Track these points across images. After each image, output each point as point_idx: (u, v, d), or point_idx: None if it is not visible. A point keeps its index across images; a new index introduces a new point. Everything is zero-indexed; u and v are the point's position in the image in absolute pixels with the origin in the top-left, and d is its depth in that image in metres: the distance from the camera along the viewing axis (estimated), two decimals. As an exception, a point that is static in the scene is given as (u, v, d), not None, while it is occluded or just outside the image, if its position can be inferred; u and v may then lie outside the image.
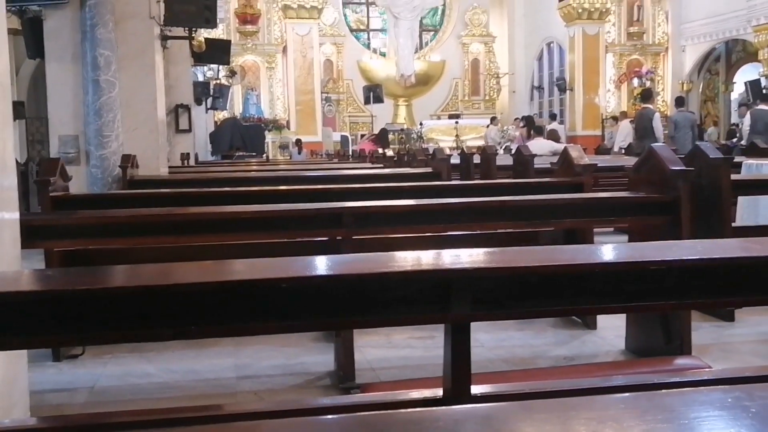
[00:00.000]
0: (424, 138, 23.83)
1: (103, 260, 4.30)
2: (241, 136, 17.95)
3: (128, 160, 6.74)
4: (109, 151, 6.89)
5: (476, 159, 8.87)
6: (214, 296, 1.78)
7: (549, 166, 6.95)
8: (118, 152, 6.90)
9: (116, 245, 4.24)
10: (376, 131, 24.20)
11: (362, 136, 25.33)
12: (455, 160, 9.18)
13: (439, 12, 30.04)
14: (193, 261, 2.76)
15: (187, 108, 11.25)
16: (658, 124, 13.40)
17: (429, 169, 7.44)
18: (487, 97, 29.44)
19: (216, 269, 2.04)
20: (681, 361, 3.69)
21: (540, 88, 28.30)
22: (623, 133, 16.63)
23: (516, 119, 22.41)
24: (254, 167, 11.34)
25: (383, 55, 28.79)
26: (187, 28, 8.86)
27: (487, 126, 22.69)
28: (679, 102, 15.52)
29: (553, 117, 19.28)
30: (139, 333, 1.85)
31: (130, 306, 1.75)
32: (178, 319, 1.77)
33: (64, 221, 3.98)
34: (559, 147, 11.09)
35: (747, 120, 14.32)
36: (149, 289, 1.73)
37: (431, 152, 9.25)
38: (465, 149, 18.05)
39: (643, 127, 13.52)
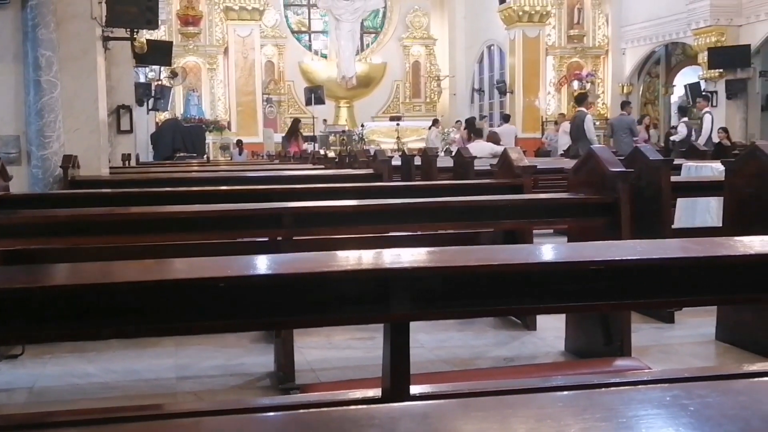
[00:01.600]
0: (366, 140, 23.87)
1: (44, 260, 4.22)
2: (182, 138, 17.75)
3: (69, 161, 6.68)
4: (50, 152, 6.85)
5: (417, 161, 8.91)
6: (154, 295, 1.76)
7: (489, 167, 7.01)
8: (60, 153, 6.85)
9: (57, 245, 4.17)
10: (317, 133, 24.15)
11: (303, 138, 25.24)
12: (396, 161, 9.21)
13: (381, 14, 30.09)
14: (133, 260, 2.72)
15: (129, 109, 11.17)
16: (589, 126, 13.64)
17: (370, 171, 7.45)
18: (428, 100, 29.58)
19: (156, 268, 2.01)
20: (621, 362, 3.73)
21: (480, 90, 28.50)
22: (559, 135, 16.89)
23: (457, 121, 22.55)
24: (195, 168, 11.26)
25: (325, 56, 28.74)
26: (128, 30, 8.79)
27: (429, 128, 22.79)
28: (622, 106, 15.88)
29: (505, 119, 19.36)
30: (78, 332, 1.83)
31: (70, 305, 1.73)
32: (118, 318, 1.76)
33: (5, 221, 3.91)
34: (499, 149, 11.16)
35: (708, 120, 14.62)
36: (89, 288, 1.71)
37: (372, 154, 9.27)
38: (406, 151, 18.14)
39: (576, 130, 13.76)
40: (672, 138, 16.31)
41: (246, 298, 1.80)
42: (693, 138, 14.76)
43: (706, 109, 15.47)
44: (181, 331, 2.05)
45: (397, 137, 23.97)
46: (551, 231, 8.22)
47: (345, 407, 1.67)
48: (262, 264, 1.92)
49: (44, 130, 6.81)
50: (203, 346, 4.29)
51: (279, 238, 3.95)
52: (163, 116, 20.23)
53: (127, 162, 11.16)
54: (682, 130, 15.70)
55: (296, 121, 20.04)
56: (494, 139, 13.94)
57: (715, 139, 14.97)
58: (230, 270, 1.82)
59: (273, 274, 1.84)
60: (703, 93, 18.14)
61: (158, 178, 7.61)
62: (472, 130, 14.91)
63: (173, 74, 20.19)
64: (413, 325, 1.98)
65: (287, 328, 3.37)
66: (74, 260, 3.91)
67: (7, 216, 4.04)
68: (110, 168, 8.41)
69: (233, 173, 8.82)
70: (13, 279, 1.83)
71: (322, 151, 19.66)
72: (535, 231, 6.00)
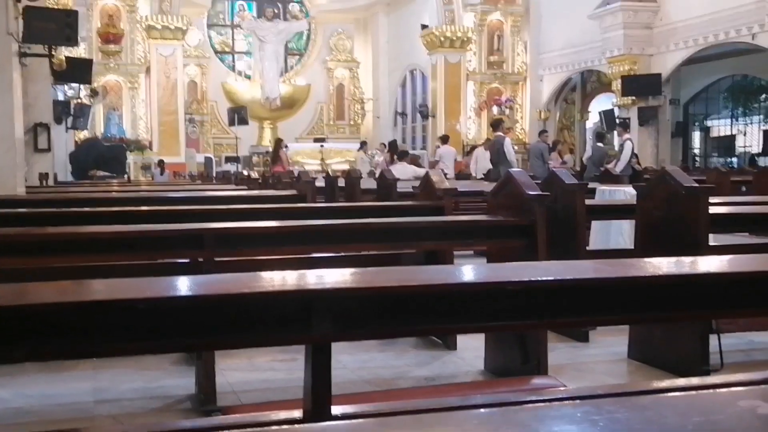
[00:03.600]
0: (290, 161, 23.79)
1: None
2: (102, 157, 17.44)
3: (-19, 180, 6.46)
4: None
5: (341, 182, 8.94)
6: (71, 317, 1.73)
7: (411, 190, 7.08)
8: None
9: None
10: (241, 153, 23.98)
11: (226, 158, 25.06)
12: (320, 183, 9.23)
13: (305, 37, 30.20)
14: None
15: (47, 127, 10.92)
16: (509, 149, 13.95)
17: (294, 192, 7.44)
18: (352, 122, 29.75)
19: (73, 289, 1.98)
20: (537, 380, 3.80)
21: (403, 114, 28.79)
22: (476, 160, 17.18)
23: (381, 144, 22.71)
24: (115, 188, 11.06)
25: (248, 77, 28.64)
26: (46, 46, 8.59)
27: (357, 150, 22.88)
28: (539, 133, 16.39)
29: (444, 140, 19.48)
30: None
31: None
32: (33, 340, 1.71)
33: None
34: (422, 171, 11.33)
35: (628, 147, 15.06)
36: (2, 310, 1.67)
37: (296, 175, 9.27)
38: (330, 172, 18.15)
39: (496, 154, 14.04)
40: (583, 157, 16.89)
41: (166, 319, 1.79)
42: (611, 164, 15.22)
43: (627, 136, 15.97)
44: (100, 354, 2.03)
45: (321, 159, 23.99)
46: (471, 252, 8.33)
47: (266, 428, 1.68)
48: (183, 285, 1.90)
49: None
50: (122, 368, 4.22)
51: (200, 260, 3.92)
52: (82, 135, 19.80)
53: (44, 181, 10.90)
54: (589, 150, 16.38)
55: (279, 141, 19.76)
56: (416, 162, 14.11)
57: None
58: (150, 291, 1.81)
59: (193, 295, 1.83)
60: (621, 121, 18.74)
61: (77, 197, 7.43)
62: (395, 152, 15.06)
63: (93, 92, 19.82)
64: (336, 345, 2.00)
65: (208, 349, 3.34)
66: (-13, 281, 3.81)
67: None
68: (27, 187, 8.19)
69: (154, 193, 8.70)
70: None
71: (245, 172, 19.53)
72: (456, 252, 6.07)
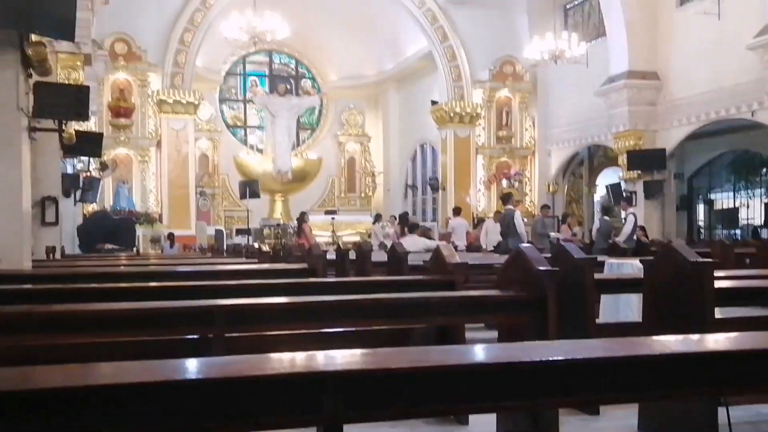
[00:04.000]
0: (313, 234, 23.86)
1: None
2: (111, 230, 17.50)
3: (-12, 254, 6.43)
4: None
5: (352, 255, 8.93)
6: (79, 401, 1.70)
7: (422, 263, 7.07)
8: None
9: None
10: (252, 226, 24.07)
11: (237, 231, 25.14)
12: (331, 255, 9.22)
13: (317, 111, 30.61)
14: (57, 361, 2.63)
15: (55, 200, 10.92)
16: (519, 221, 14.06)
17: (304, 266, 7.42)
18: (362, 194, 29.92)
19: (80, 372, 1.96)
20: (550, 455, 3.74)
21: (414, 186, 28.97)
22: (486, 232, 17.26)
23: (391, 216, 22.78)
24: (123, 262, 11.03)
25: (260, 151, 28.92)
26: (57, 121, 8.63)
27: (373, 223, 22.84)
28: (541, 208, 16.63)
29: (456, 212, 19.55)
30: None
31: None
32: (39, 425, 1.68)
33: None
34: (432, 244, 11.34)
35: (630, 220, 15.19)
36: (7, 395, 1.64)
37: (307, 248, 9.27)
38: (341, 245, 18.17)
39: (506, 226, 14.12)
40: (592, 230, 17.07)
41: (176, 403, 1.76)
42: (615, 235, 15.36)
43: (630, 210, 16.14)
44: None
45: (333, 231, 24.05)
46: (482, 325, 8.27)
47: None
48: (193, 368, 1.88)
49: None
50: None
51: (210, 336, 3.90)
52: (91, 208, 19.88)
53: (51, 255, 10.83)
54: (597, 224, 16.52)
55: (303, 214, 19.83)
56: (427, 234, 14.12)
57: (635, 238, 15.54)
58: (159, 375, 1.78)
59: (204, 378, 1.81)
60: (626, 195, 18.89)
61: (84, 272, 7.37)
62: (406, 224, 15.10)
63: (103, 166, 19.92)
64: (346, 426, 1.97)
65: None
66: (-9, 362, 3.76)
67: None
68: (33, 261, 8.14)
69: (163, 267, 8.69)
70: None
71: (256, 245, 19.56)
72: (467, 324, 6.03)
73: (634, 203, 18.61)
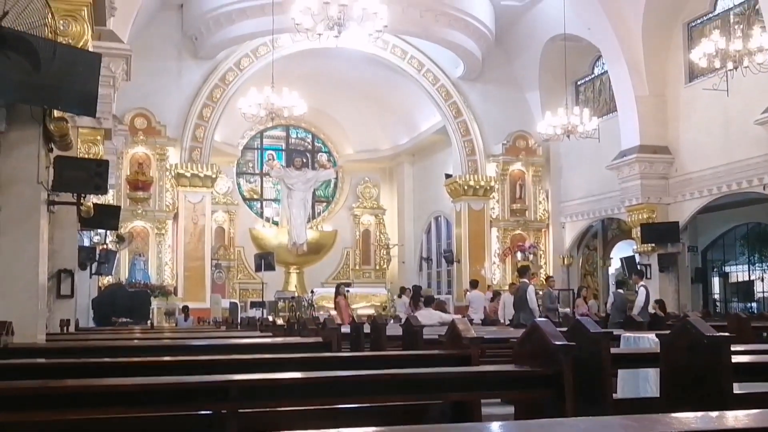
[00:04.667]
0: (315, 306, 23.79)
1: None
2: (126, 303, 17.49)
3: (3, 327, 6.37)
4: None
5: (367, 328, 8.89)
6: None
7: (437, 337, 7.02)
8: None
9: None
10: (266, 299, 24.01)
11: (252, 303, 25.09)
12: (346, 329, 9.17)
13: (332, 184, 30.85)
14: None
15: (71, 273, 10.92)
16: (531, 296, 14.03)
17: (319, 339, 7.39)
18: (377, 267, 29.93)
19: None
20: None
21: (428, 259, 28.98)
22: (503, 305, 17.24)
23: (405, 289, 22.69)
24: (137, 335, 11.01)
25: (276, 223, 29.07)
26: (75, 194, 8.70)
27: (399, 296, 22.63)
28: (546, 279, 16.76)
29: (474, 285, 19.60)
30: None
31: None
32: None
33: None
34: (447, 317, 11.29)
35: (642, 293, 15.16)
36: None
37: (322, 321, 9.25)
38: (356, 318, 18.08)
39: (519, 300, 14.10)
40: (607, 304, 17.09)
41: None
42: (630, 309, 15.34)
43: (641, 283, 16.13)
44: None
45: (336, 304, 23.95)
46: (498, 400, 8.16)
47: None
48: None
49: None
50: None
51: (224, 411, 3.86)
52: (106, 280, 19.91)
53: (65, 328, 10.76)
54: (612, 297, 16.51)
55: (338, 286, 19.77)
56: (442, 307, 14.07)
57: (651, 310, 15.44)
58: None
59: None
60: (639, 268, 18.88)
61: (97, 346, 7.34)
62: (417, 297, 15.06)
63: (120, 239, 20.03)
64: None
65: None
66: (4, 437, 3.73)
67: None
68: (47, 334, 8.11)
69: (177, 341, 8.66)
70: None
71: (270, 318, 19.50)
72: (483, 399, 5.95)
73: (646, 276, 18.59)
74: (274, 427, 4.09)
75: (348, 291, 19.97)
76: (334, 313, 19.42)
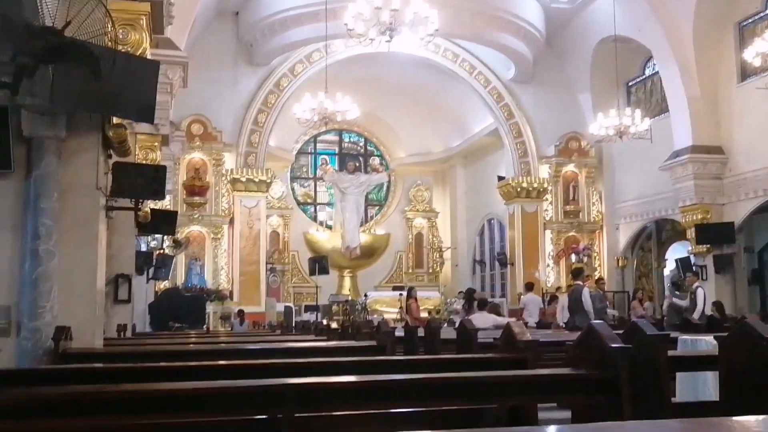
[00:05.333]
0: (369, 309, 23.85)
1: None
2: (182, 307, 17.71)
3: (62, 333, 6.46)
4: (42, 323, 6.62)
5: (421, 332, 8.88)
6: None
7: (492, 340, 6.98)
8: (52, 324, 6.64)
9: (46, 425, 4.03)
10: (320, 302, 24.14)
11: (306, 307, 25.25)
12: (400, 332, 9.17)
13: (385, 188, 30.91)
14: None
15: (128, 278, 11.02)
16: (587, 299, 13.84)
17: (373, 343, 7.39)
18: (430, 270, 29.90)
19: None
20: None
21: (482, 262, 28.84)
22: (562, 308, 17.02)
23: (459, 293, 22.63)
24: (193, 339, 11.12)
25: (329, 227, 29.24)
26: (133, 200, 8.81)
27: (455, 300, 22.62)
28: (597, 280, 16.63)
29: (529, 287, 19.64)
30: None
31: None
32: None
33: (-11, 399, 3.79)
34: (502, 321, 11.22)
35: (701, 294, 14.87)
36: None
37: (376, 324, 9.27)
38: (409, 321, 18.05)
39: (573, 303, 13.92)
40: (663, 306, 16.77)
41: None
42: (686, 310, 15.02)
43: (697, 283, 15.80)
44: None
45: (401, 307, 23.97)
46: (554, 404, 8.08)
47: None
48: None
49: (38, 300, 6.64)
50: None
51: (279, 416, 3.88)
52: (163, 285, 20.18)
53: (122, 333, 10.91)
54: (667, 300, 16.20)
55: (410, 289, 19.89)
56: (496, 310, 13.99)
57: (708, 312, 15.14)
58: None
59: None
60: (693, 269, 18.55)
61: (154, 351, 7.44)
62: (470, 300, 14.98)
63: (176, 243, 20.26)
64: None
65: None
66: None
67: (-8, 394, 3.93)
68: (105, 339, 8.19)
69: (233, 345, 8.74)
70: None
71: (324, 321, 19.59)
72: (539, 404, 5.91)
73: (703, 276, 18.30)
74: (330, 430, 4.10)
75: (416, 293, 19.88)
76: (392, 316, 19.42)
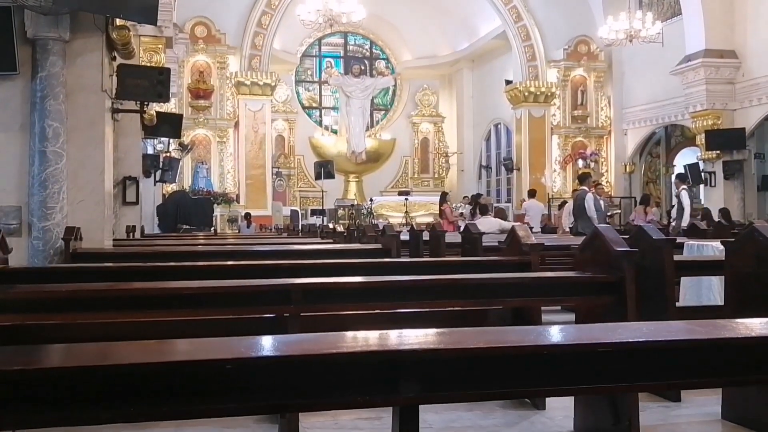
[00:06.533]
0: (374, 214, 23.99)
1: (41, 336, 4.16)
2: (189, 210, 17.79)
3: (72, 233, 6.56)
4: (52, 223, 6.73)
5: (426, 236, 8.90)
6: (156, 377, 1.71)
7: (497, 244, 7.00)
8: (62, 224, 6.75)
9: (56, 321, 4.10)
10: (326, 207, 24.22)
11: (312, 211, 25.38)
12: (405, 236, 9.21)
13: (390, 92, 30.60)
14: (136, 338, 2.68)
15: (136, 180, 11.08)
16: (590, 205, 13.73)
17: (378, 246, 7.44)
18: (436, 175, 29.87)
19: (158, 349, 1.98)
20: (629, 442, 3.67)
21: (488, 167, 28.76)
22: (568, 213, 17.00)
23: (465, 197, 22.67)
24: (201, 241, 11.21)
25: (335, 132, 29.10)
26: (138, 102, 8.77)
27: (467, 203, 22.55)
28: (596, 185, 16.46)
29: (531, 194, 19.49)
30: (76, 416, 1.76)
31: (68, 388, 1.68)
32: (119, 401, 1.70)
33: (2, 296, 3.84)
34: (507, 225, 11.22)
35: (685, 198, 14.76)
36: (87, 370, 1.67)
37: (381, 228, 9.29)
38: (415, 226, 18.15)
39: (577, 208, 13.86)
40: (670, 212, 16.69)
41: (252, 380, 1.76)
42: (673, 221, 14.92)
43: (683, 187, 15.62)
44: (184, 415, 2.00)
45: (406, 212, 24.08)
46: (559, 307, 8.17)
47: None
48: (269, 345, 1.88)
49: (47, 201, 6.73)
50: (205, 426, 4.21)
51: (286, 315, 3.93)
52: (170, 188, 20.23)
53: (131, 234, 11.02)
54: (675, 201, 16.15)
55: (443, 195, 19.84)
56: (502, 215, 14.01)
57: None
58: (236, 352, 1.80)
59: (280, 355, 1.81)
60: (702, 175, 18.46)
61: (162, 251, 7.50)
62: (477, 205, 14.98)
63: (182, 146, 20.25)
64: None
65: (293, 411, 3.31)
66: (73, 337, 3.85)
67: (5, 291, 3.97)
68: (114, 240, 8.29)
69: (240, 247, 8.80)
70: (8, 360, 1.78)
71: (330, 225, 19.70)
72: (543, 307, 5.96)
73: (710, 183, 18.24)
74: (335, 330, 4.15)
75: (449, 199, 19.77)
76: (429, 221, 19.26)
